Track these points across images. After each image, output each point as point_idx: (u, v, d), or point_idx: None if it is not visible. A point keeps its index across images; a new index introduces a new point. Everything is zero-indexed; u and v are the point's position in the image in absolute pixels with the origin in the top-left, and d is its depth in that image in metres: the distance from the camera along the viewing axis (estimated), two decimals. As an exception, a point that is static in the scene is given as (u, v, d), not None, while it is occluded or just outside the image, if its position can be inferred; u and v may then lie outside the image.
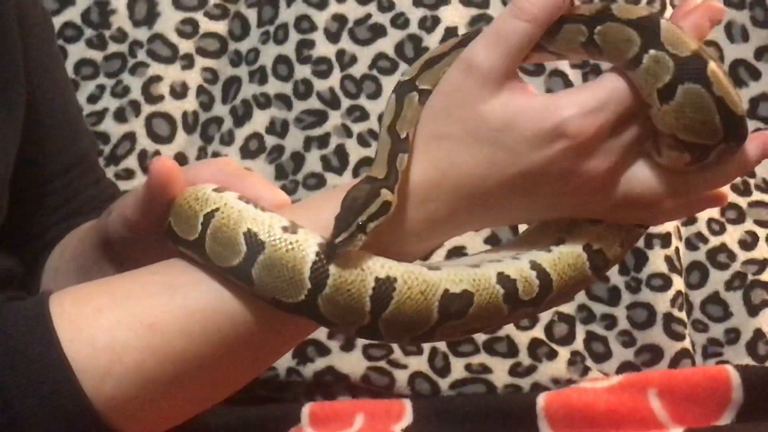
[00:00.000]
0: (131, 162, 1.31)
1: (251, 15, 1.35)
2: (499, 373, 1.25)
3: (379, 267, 0.69)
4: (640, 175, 0.72)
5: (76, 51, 1.32)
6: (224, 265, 0.69)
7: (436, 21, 1.32)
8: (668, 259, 1.26)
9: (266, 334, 0.72)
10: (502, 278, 0.72)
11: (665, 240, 1.26)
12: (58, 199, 1.03)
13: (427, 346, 1.24)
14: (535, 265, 0.74)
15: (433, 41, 1.30)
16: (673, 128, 0.70)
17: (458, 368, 1.25)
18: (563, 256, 0.75)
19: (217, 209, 0.70)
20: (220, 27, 1.36)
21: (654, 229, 1.26)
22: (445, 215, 0.72)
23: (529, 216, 0.76)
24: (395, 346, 1.24)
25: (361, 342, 1.23)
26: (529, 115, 0.69)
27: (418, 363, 1.24)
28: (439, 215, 0.72)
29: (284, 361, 1.22)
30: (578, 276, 0.76)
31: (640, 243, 1.25)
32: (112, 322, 0.69)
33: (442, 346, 1.24)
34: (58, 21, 1.31)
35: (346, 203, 0.67)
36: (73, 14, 1.33)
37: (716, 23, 0.72)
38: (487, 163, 0.70)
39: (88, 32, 1.34)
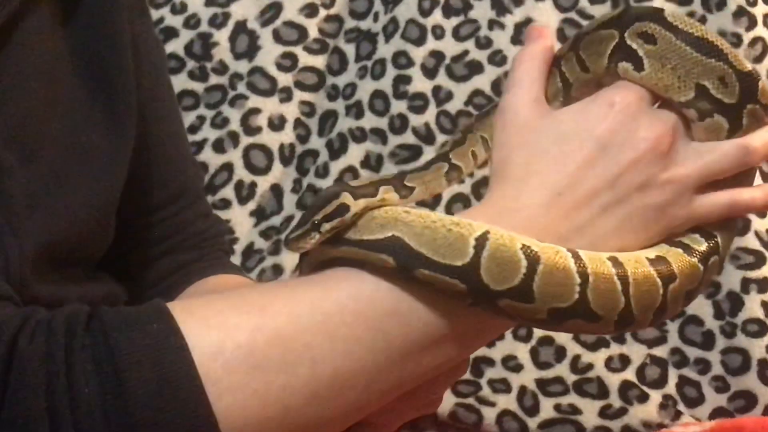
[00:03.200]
0: (228, 192, 1.34)
1: (349, 50, 1.37)
2: (589, 414, 1.23)
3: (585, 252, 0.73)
4: (702, 147, 0.77)
5: (178, 82, 1.35)
6: (501, 287, 0.69)
7: (533, 59, 1.32)
8: (765, 305, 1.24)
9: (376, 333, 0.71)
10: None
11: (762, 285, 1.24)
12: (164, 231, 1.04)
13: (515, 384, 1.24)
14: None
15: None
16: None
17: (547, 408, 1.24)
18: None
19: (488, 231, 0.70)
20: (319, 61, 1.38)
21: (751, 274, 1.24)
22: (543, 224, 0.74)
23: (629, 225, 0.77)
24: (483, 382, 1.24)
25: (449, 378, 1.23)
26: (579, 105, 0.77)
27: (507, 401, 1.24)
28: (536, 224, 0.74)
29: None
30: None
31: (737, 287, 1.24)
32: (223, 306, 0.70)
33: (531, 385, 1.24)
34: (161, 52, 1.34)
35: (311, 202, 0.71)
36: (176, 46, 1.36)
37: None
38: (561, 157, 0.75)
39: (191, 64, 1.37)
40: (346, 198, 0.71)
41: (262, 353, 0.68)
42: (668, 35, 0.75)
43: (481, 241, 0.69)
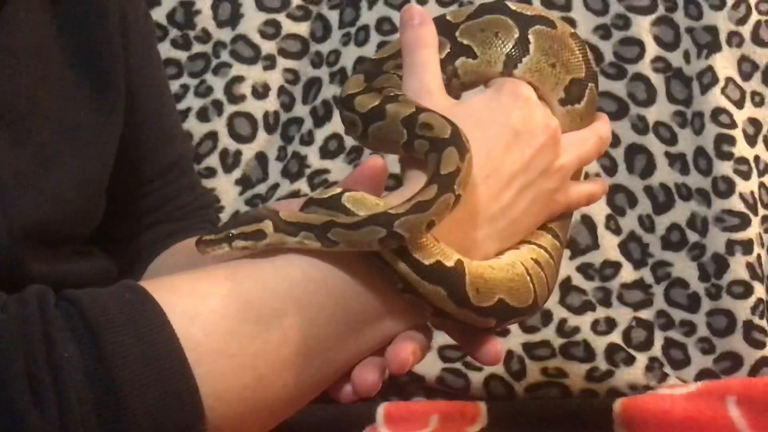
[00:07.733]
0: (213, 161, 1.33)
1: (333, 17, 1.36)
2: (576, 377, 1.24)
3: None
4: (572, 137, 0.85)
5: (161, 51, 1.32)
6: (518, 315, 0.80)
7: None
8: (750, 266, 1.24)
9: (337, 301, 0.72)
10: None
11: (747, 247, 1.25)
12: (152, 203, 1.04)
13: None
14: None
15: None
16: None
17: (534, 372, 1.25)
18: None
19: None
20: (302, 28, 1.37)
21: (735, 236, 1.25)
22: (476, 203, 0.78)
23: (533, 208, 0.82)
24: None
25: (436, 343, 1.24)
26: (487, 95, 0.83)
27: (494, 366, 1.25)
28: (470, 203, 0.77)
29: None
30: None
31: (722, 249, 1.25)
32: (190, 276, 0.71)
33: (518, 349, 1.25)
34: (143, 21, 1.33)
35: (238, 215, 0.74)
36: (158, 14, 1.35)
37: None
38: (484, 142, 0.79)
39: (173, 32, 1.36)
40: (266, 226, 0.72)
41: (236, 318, 0.69)
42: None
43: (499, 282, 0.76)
